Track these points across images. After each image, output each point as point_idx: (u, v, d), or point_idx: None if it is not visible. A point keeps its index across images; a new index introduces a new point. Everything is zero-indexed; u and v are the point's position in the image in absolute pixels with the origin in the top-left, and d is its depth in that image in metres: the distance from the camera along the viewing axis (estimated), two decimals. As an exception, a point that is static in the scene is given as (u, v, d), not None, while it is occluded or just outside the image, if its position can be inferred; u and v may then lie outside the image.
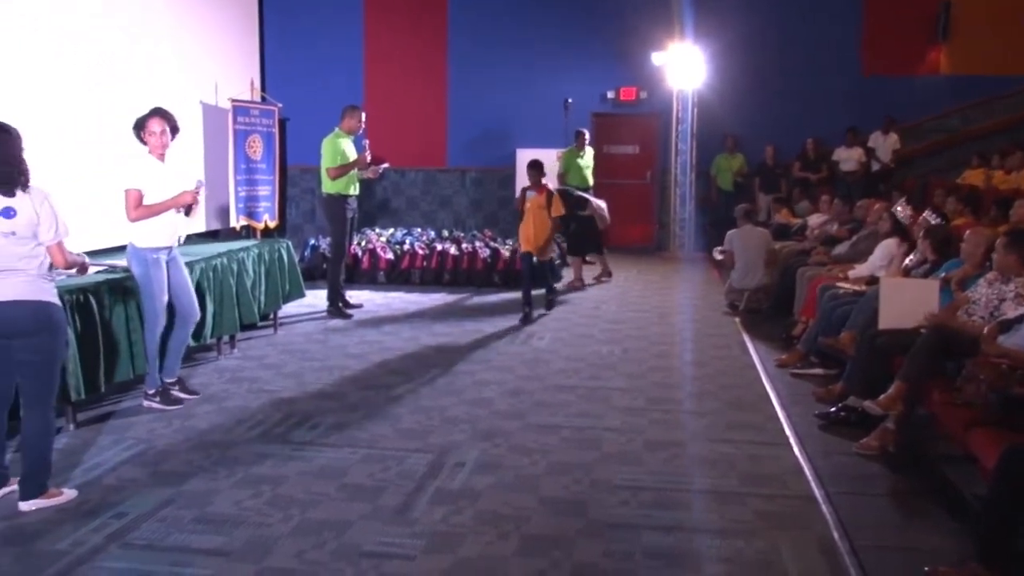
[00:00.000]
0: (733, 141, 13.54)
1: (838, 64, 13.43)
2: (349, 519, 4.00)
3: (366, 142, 8.87)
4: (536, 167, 8.83)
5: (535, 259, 8.80)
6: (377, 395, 6.00)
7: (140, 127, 5.52)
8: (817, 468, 4.66)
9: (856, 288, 6.63)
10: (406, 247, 11.04)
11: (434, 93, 14.05)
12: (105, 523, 3.94)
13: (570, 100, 13.49)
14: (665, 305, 9.59)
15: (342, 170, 8.57)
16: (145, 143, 5.54)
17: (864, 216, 8.64)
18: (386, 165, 9.37)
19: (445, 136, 14.10)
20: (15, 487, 4.17)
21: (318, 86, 13.03)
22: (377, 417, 5.52)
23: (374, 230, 12.00)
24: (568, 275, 11.02)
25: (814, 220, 10.33)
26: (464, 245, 11.05)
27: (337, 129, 8.73)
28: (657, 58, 13.12)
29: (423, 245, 11.10)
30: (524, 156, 13.55)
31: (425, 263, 10.80)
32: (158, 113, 5.54)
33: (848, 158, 12.84)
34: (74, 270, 4.50)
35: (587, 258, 11.03)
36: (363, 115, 8.84)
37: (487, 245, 11.02)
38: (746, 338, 7.84)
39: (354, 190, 8.85)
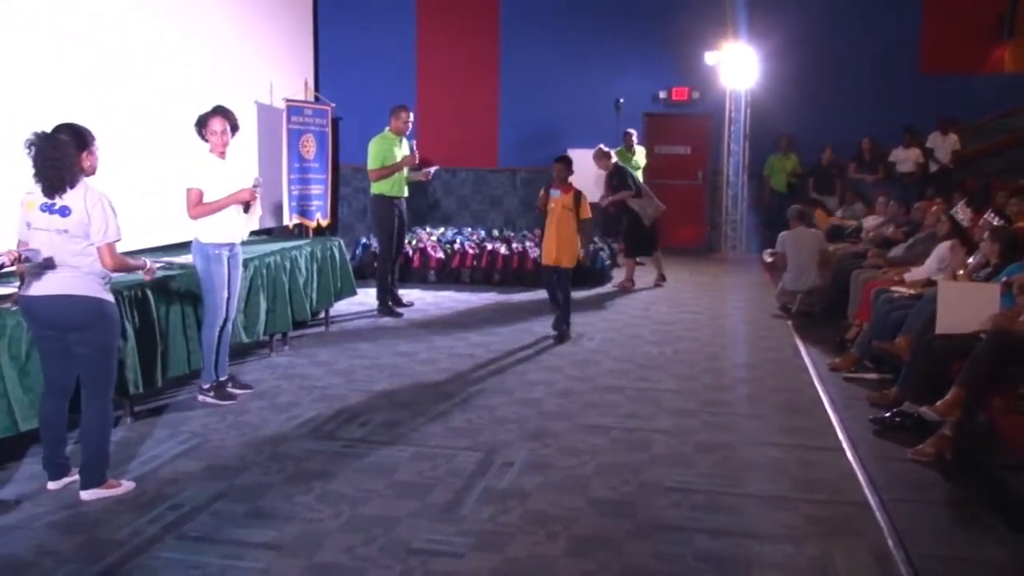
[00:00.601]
0: (787, 141, 13.36)
1: (896, 62, 13.17)
2: (398, 516, 4.02)
3: (413, 142, 8.89)
4: (564, 162, 7.73)
5: (562, 268, 7.68)
6: (426, 393, 6.04)
7: (202, 125, 5.61)
8: (871, 474, 4.58)
9: (912, 291, 6.51)
10: (456, 246, 11.08)
11: (485, 93, 14.08)
12: (161, 514, 4.02)
13: (621, 100, 13.45)
14: (716, 307, 9.50)
15: (384, 172, 8.58)
16: (206, 141, 5.63)
17: (921, 218, 8.48)
18: (436, 167, 9.36)
19: (496, 136, 14.12)
20: (76, 477, 4.28)
21: (370, 86, 13.15)
22: (426, 415, 5.55)
23: (425, 229, 12.07)
24: (619, 276, 10.98)
25: (869, 222, 10.16)
26: (514, 245, 11.07)
27: (386, 130, 8.75)
28: (710, 58, 13.00)
29: (473, 245, 11.13)
30: (575, 156, 13.55)
31: (475, 262, 10.83)
32: (219, 112, 5.63)
33: (905, 159, 12.58)
34: (140, 273, 4.56)
35: (637, 259, 10.98)
36: (410, 114, 8.81)
37: (537, 245, 11.00)
38: (798, 341, 7.73)
39: (400, 191, 8.80)
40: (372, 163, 8.62)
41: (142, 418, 5.44)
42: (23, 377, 4.43)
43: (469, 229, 12.26)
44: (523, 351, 7.31)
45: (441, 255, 10.93)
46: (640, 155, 12.21)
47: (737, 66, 12.89)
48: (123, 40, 7.75)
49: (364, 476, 4.52)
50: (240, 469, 4.60)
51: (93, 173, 4.30)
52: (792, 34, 12.78)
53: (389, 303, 8.82)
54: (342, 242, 8.43)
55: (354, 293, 8.46)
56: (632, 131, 12.19)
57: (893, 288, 6.75)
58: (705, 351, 7.38)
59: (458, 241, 11.29)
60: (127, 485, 4.32)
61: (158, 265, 4.98)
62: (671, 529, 3.93)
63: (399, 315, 8.72)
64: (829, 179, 13.10)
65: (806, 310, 8.75)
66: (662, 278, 10.86)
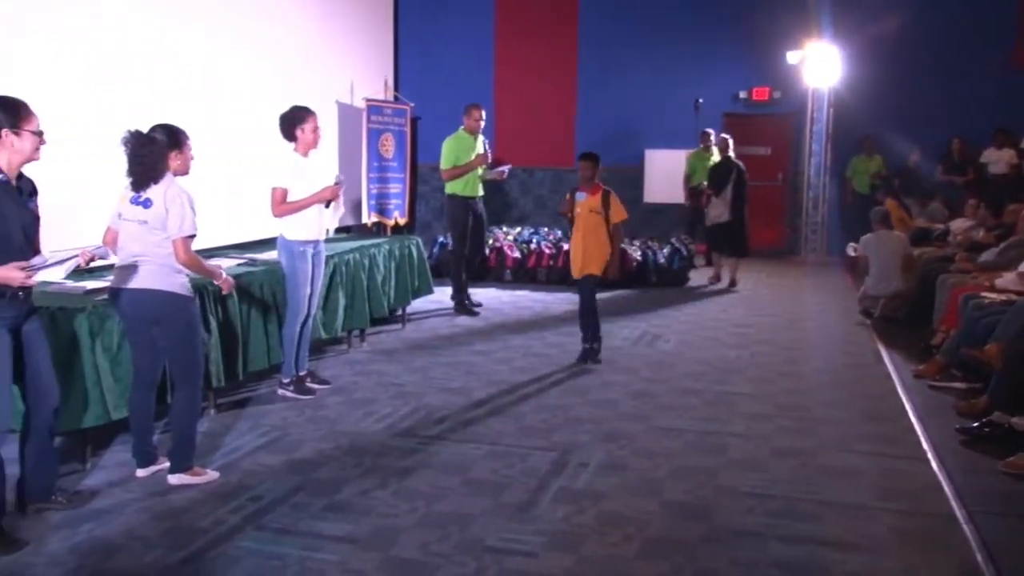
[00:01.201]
0: (871, 142, 13.04)
1: (987, 59, 12.73)
2: (472, 513, 4.05)
3: (486, 142, 8.90)
4: (590, 160, 6.81)
5: (589, 276, 6.83)
6: (501, 392, 6.06)
7: (294, 124, 5.72)
8: (958, 486, 4.43)
9: (1004, 297, 6.29)
10: (533, 246, 11.10)
11: (563, 92, 14.06)
12: (242, 505, 4.12)
13: (700, 100, 13.28)
14: (795, 310, 9.33)
15: (456, 172, 8.59)
16: (293, 139, 5.74)
17: (1014, 222, 8.18)
18: (509, 166, 9.36)
19: (573, 136, 14.08)
20: (164, 465, 4.42)
21: (449, 85, 13.24)
22: (501, 414, 5.57)
23: (501, 228, 12.12)
24: (696, 278, 10.87)
25: (957, 225, 9.85)
26: (590, 245, 11.02)
27: (460, 129, 8.78)
28: (792, 57, 12.77)
29: (550, 244, 11.13)
30: (653, 157, 13.53)
31: (552, 262, 10.83)
32: (312, 112, 5.76)
33: (997, 160, 12.15)
34: (217, 283, 4.65)
35: (713, 257, 10.85)
36: (483, 113, 8.81)
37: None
38: (880, 347, 7.54)
39: (473, 191, 8.78)
40: (445, 163, 8.67)
41: (224, 410, 5.59)
42: (115, 367, 4.58)
43: (546, 229, 12.26)
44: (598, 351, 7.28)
45: (517, 254, 10.96)
46: (716, 156, 12.06)
47: (820, 65, 12.63)
48: (212, 44, 7.96)
49: (439, 473, 4.56)
50: (318, 463, 4.69)
51: (185, 173, 4.45)
52: (878, 30, 12.46)
53: (465, 302, 8.87)
54: (420, 241, 8.51)
55: (431, 291, 8.53)
56: (710, 131, 12.04)
57: (983, 294, 6.53)
58: (783, 355, 7.25)
59: (534, 241, 11.31)
60: (212, 475, 4.44)
61: (236, 263, 5.01)
62: (746, 534, 3.88)
63: (475, 313, 8.76)
64: (915, 181, 12.75)
65: (889, 315, 8.52)
66: (732, 283, 10.66)
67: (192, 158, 4.51)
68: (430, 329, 8.11)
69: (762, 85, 13.49)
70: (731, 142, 10.75)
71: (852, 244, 9.28)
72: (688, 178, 12.05)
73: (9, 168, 3.60)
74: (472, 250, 8.94)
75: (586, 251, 6.75)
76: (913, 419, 5.54)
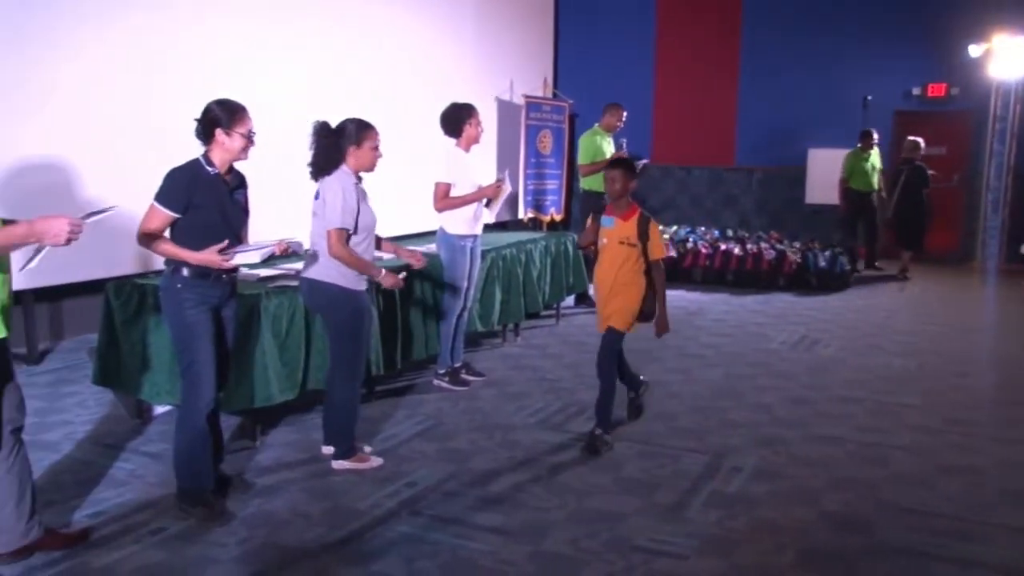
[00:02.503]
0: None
1: None
2: (623, 512, 4.05)
3: (623, 140, 8.89)
4: (622, 168, 4.96)
5: (611, 329, 4.94)
6: (654, 391, 6.01)
7: (460, 119, 5.85)
8: None
9: None
10: (689, 245, 10.95)
11: (724, 90, 13.77)
12: (398, 490, 4.26)
13: (869, 97, 12.71)
14: (968, 319, 8.82)
15: (594, 168, 8.60)
16: (458, 134, 5.87)
17: None
18: (645, 161, 9.33)
19: (734, 134, 13.79)
20: (333, 449, 4.62)
21: (608, 82, 13.18)
22: (653, 413, 5.53)
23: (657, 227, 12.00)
24: (862, 291, 10.46)
25: None
26: (749, 246, 10.78)
27: (596, 126, 8.82)
28: (974, 50, 12.04)
29: (706, 244, 10.95)
30: (816, 156, 13.06)
31: (708, 262, 10.66)
32: (475, 109, 5.89)
33: None
34: (377, 274, 4.57)
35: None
36: (624, 113, 8.84)
37: (773, 247, 10.69)
38: (1065, 362, 7.04)
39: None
40: (583, 158, 8.75)
41: (382, 398, 5.78)
42: (283, 352, 4.82)
43: (702, 228, 12.07)
44: (755, 355, 7.12)
45: (673, 253, 10.83)
46: (876, 157, 11.55)
47: (1007, 58, 11.84)
48: (381, 45, 8.24)
49: (590, 470, 4.57)
50: (471, 453, 4.79)
51: (368, 168, 4.47)
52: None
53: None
54: (576, 237, 8.54)
55: (585, 288, 8.55)
56: (872, 130, 11.53)
57: None
58: (954, 367, 6.87)
59: (691, 240, 11.16)
60: (375, 461, 4.60)
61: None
62: (910, 553, 3.71)
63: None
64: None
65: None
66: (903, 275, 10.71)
67: (377, 155, 4.45)
68: (583, 325, 8.13)
69: (938, 81, 12.77)
70: (922, 144, 11.10)
71: None
72: (844, 180, 11.58)
73: (221, 164, 3.83)
74: None
75: (612, 293, 4.93)
76: (1100, 441, 5.15)
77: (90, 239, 3.61)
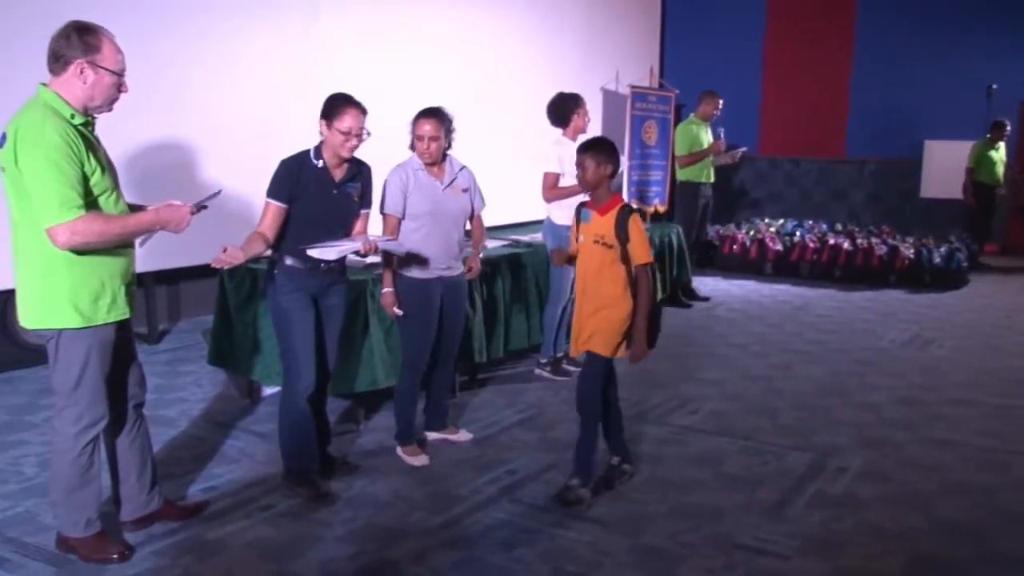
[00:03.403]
0: None
1: None
2: (723, 508, 3.99)
3: (721, 130, 8.75)
4: (598, 149, 4.03)
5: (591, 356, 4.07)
6: (757, 386, 5.91)
7: (568, 109, 5.89)
8: None
9: None
10: (796, 239, 10.70)
11: (836, 80, 13.33)
12: (498, 477, 4.31)
13: (994, 86, 12.12)
14: (1097, 321, 8.37)
15: (692, 158, 8.68)
16: (566, 124, 5.89)
17: None
18: (744, 149, 9.39)
19: (845, 125, 13.36)
20: (452, 435, 4.78)
21: (715, 72, 12.93)
22: (757, 409, 5.43)
23: (763, 220, 11.76)
24: (980, 288, 10.03)
25: None
26: (859, 240, 10.45)
27: (692, 115, 8.83)
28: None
29: (814, 238, 10.67)
30: (933, 148, 12.55)
31: (816, 256, 10.38)
32: (582, 99, 5.91)
33: None
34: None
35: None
36: (720, 102, 8.85)
37: (884, 243, 10.33)
38: None
39: (707, 177, 8.91)
40: (680, 149, 8.78)
41: (484, 385, 5.84)
42: (388, 338, 4.91)
43: (810, 222, 11.76)
44: (863, 352, 6.91)
45: (780, 247, 10.61)
46: (1003, 150, 11.06)
47: None
48: (488, 36, 8.30)
49: (691, 464, 4.53)
50: (571, 443, 4.74)
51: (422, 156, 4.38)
52: None
53: (678, 292, 8.63)
54: (680, 228, 8.45)
55: (689, 280, 8.46)
56: (1005, 120, 11.01)
57: None
58: (1081, 370, 6.54)
59: (798, 234, 10.89)
60: (464, 434, 4.81)
61: (502, 243, 4.92)
62: (1029, 563, 3.56)
63: (688, 306, 8.53)
64: None
65: None
66: None
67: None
68: (684, 318, 8.03)
69: (1077, 68, 12.09)
70: None
71: None
72: (971, 172, 11.09)
73: (328, 156, 3.90)
74: (696, 236, 9.00)
75: (589, 306, 4.05)
76: None
77: (208, 224, 3.75)
